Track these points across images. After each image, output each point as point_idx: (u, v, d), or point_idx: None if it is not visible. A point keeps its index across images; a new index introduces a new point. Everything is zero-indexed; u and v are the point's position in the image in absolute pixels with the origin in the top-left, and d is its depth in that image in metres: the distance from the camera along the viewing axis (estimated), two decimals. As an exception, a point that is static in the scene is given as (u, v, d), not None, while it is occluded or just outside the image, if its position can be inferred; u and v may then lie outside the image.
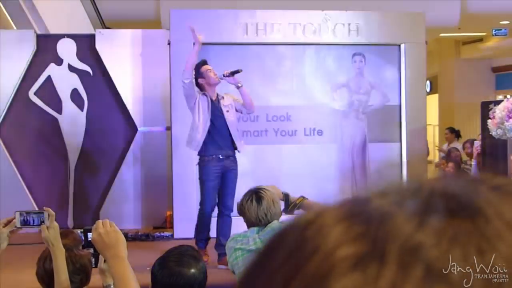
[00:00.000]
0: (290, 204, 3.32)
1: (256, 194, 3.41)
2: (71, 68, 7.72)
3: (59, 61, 7.71)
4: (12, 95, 7.61)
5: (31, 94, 7.66)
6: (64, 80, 7.67)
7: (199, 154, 5.76)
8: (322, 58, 7.78)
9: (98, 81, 7.69)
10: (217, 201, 5.78)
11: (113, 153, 7.74)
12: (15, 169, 7.61)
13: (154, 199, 7.66)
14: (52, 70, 7.67)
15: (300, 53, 7.73)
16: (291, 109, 7.61)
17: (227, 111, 5.70)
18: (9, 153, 7.61)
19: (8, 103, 7.62)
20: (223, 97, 5.76)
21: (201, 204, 5.78)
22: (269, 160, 7.53)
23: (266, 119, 7.54)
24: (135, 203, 7.69)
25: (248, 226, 3.44)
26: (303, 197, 3.32)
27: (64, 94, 7.67)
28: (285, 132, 7.61)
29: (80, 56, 7.72)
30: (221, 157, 5.68)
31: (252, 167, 7.18)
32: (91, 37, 7.77)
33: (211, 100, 5.70)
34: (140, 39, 7.78)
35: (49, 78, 7.70)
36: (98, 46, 7.71)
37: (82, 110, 7.71)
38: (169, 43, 7.22)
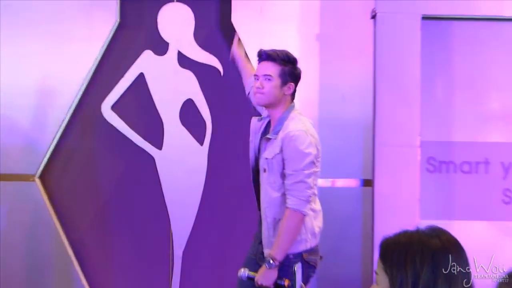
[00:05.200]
0: None
1: None
2: (184, 61, 4.62)
3: (161, 47, 4.62)
4: (71, 110, 4.51)
5: (106, 107, 4.63)
6: (170, 84, 4.63)
7: None
8: None
9: (235, 86, 4.48)
10: None
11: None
12: (69, 249, 4.49)
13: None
14: (147, 63, 4.61)
15: None
16: None
17: (264, 170, 3.46)
18: (60, 221, 4.53)
19: (63, 125, 4.50)
20: (268, 140, 3.40)
21: None
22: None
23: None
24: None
25: None
26: None
27: (169, 109, 4.64)
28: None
29: (201, 37, 4.63)
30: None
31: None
32: (223, 2, 4.62)
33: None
34: (317, 8, 4.58)
35: (141, 78, 4.63)
36: (235, 18, 4.56)
37: (201, 142, 4.64)
38: (373, 16, 4.41)
